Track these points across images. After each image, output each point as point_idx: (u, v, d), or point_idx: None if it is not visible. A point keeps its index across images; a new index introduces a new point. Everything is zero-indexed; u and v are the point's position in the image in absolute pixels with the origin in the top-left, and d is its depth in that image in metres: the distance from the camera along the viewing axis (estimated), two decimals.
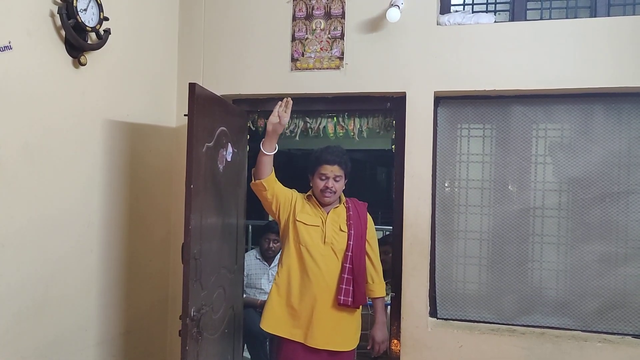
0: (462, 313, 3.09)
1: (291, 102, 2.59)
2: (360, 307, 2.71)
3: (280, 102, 2.58)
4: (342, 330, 2.62)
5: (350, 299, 2.56)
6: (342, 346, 2.62)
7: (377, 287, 2.74)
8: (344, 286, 2.56)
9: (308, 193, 2.75)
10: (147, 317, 3.14)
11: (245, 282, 3.93)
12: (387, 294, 3.05)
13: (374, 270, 2.74)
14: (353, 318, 2.67)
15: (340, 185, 2.66)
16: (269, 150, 2.55)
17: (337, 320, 2.60)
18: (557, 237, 2.99)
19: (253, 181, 2.62)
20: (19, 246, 2.19)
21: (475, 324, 3.04)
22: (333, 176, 2.62)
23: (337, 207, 2.71)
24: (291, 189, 2.77)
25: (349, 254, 2.60)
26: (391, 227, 3.18)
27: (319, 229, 2.62)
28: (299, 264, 2.61)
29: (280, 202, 2.66)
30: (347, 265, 2.59)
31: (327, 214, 2.68)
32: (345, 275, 2.57)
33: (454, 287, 3.12)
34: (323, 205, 2.69)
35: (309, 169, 2.72)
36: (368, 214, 2.78)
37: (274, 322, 2.61)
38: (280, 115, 2.54)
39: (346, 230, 2.64)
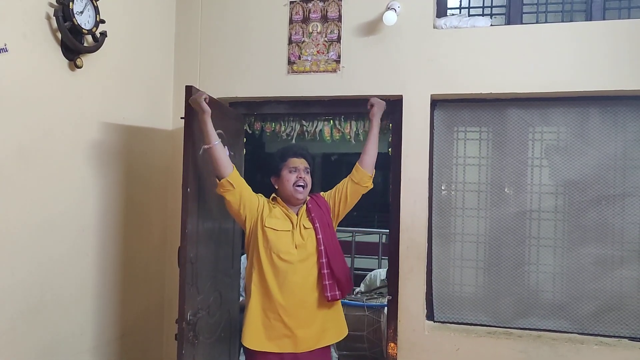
0: (459, 316, 3.09)
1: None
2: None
3: (200, 96, 2.37)
4: (332, 324, 2.53)
5: (337, 292, 2.44)
6: (336, 337, 2.54)
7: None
8: (327, 282, 2.43)
9: (272, 196, 2.58)
10: (143, 321, 3.13)
11: (241, 285, 3.92)
12: (384, 296, 3.04)
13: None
14: (336, 310, 2.56)
15: (309, 180, 2.52)
16: (214, 139, 2.37)
17: (326, 317, 2.49)
18: (553, 239, 3.00)
19: (217, 183, 2.41)
20: (13, 250, 2.18)
21: (472, 327, 3.04)
22: (303, 167, 2.50)
23: (301, 207, 2.55)
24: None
25: (321, 248, 2.44)
26: (388, 231, 3.17)
27: (289, 234, 2.45)
28: (273, 272, 2.42)
29: (246, 204, 2.45)
30: (323, 260, 2.44)
31: (298, 216, 2.51)
32: (325, 271, 2.43)
33: (451, 290, 3.12)
34: (293, 205, 2.52)
35: (272, 170, 2.56)
36: (324, 195, 2.63)
37: (257, 339, 2.42)
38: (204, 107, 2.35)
39: (310, 226, 2.47)
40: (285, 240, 2.43)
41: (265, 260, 2.43)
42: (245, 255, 4.21)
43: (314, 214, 2.51)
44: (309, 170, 2.55)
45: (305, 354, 2.44)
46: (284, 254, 2.41)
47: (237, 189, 2.41)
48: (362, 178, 2.54)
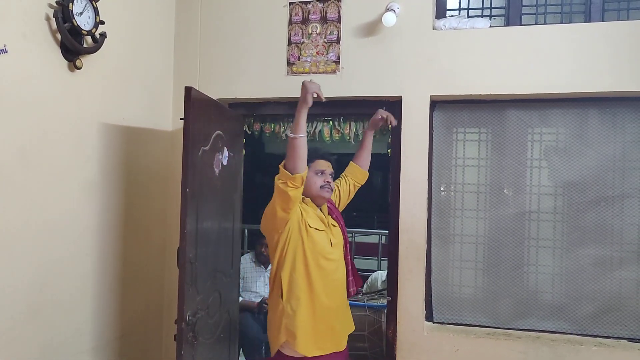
0: (458, 317, 3.09)
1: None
2: None
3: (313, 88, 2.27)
4: (349, 321, 2.59)
5: (355, 287, 2.57)
6: (352, 327, 2.59)
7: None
8: (351, 278, 2.56)
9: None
10: (142, 321, 3.13)
11: (241, 285, 3.93)
12: (385, 297, 3.04)
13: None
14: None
15: (334, 184, 2.57)
16: (303, 131, 2.26)
17: (347, 311, 2.58)
18: (552, 240, 3.00)
19: (286, 175, 2.23)
20: (13, 250, 2.18)
21: (471, 327, 3.04)
22: (329, 171, 2.51)
23: (323, 206, 2.57)
24: None
25: (347, 246, 2.57)
26: (387, 231, 3.18)
27: (325, 234, 2.43)
28: (320, 273, 2.36)
29: (296, 205, 2.34)
30: (349, 257, 2.57)
31: (326, 215, 2.53)
32: (349, 268, 2.56)
33: (450, 291, 3.12)
34: (318, 204, 2.51)
35: None
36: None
37: (311, 344, 2.34)
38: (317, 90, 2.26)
39: (337, 224, 2.54)
40: (326, 240, 2.43)
41: (312, 261, 2.36)
42: (244, 255, 4.27)
43: (335, 214, 2.59)
44: (333, 174, 2.56)
45: (343, 351, 2.50)
46: (328, 253, 2.40)
47: (302, 188, 2.30)
48: (363, 178, 2.78)
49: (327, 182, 2.47)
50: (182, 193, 2.52)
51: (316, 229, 2.39)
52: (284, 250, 2.36)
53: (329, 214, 2.56)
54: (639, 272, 2.88)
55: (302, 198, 2.45)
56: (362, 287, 2.63)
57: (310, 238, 2.36)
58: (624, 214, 2.90)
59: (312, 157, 2.46)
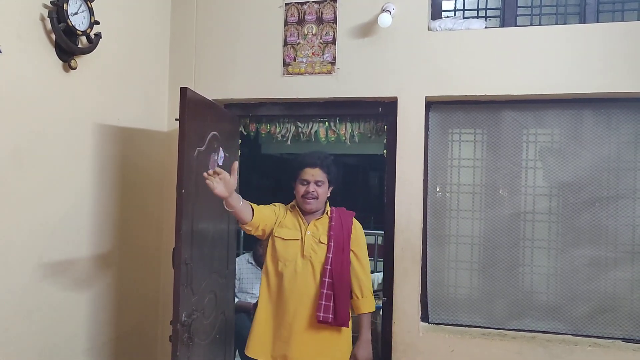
0: (454, 318, 3.10)
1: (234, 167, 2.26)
2: (350, 326, 2.52)
3: (210, 174, 2.16)
4: (325, 352, 2.44)
5: (330, 316, 2.37)
6: (323, 349, 2.44)
7: (364, 302, 2.52)
8: (323, 302, 2.37)
9: (292, 203, 2.64)
10: (137, 322, 3.12)
11: (237, 286, 3.92)
12: (381, 298, 3.05)
13: (361, 283, 2.52)
14: (340, 338, 2.47)
15: (322, 191, 2.51)
16: (231, 206, 2.28)
17: (319, 340, 2.42)
18: (547, 241, 3.01)
19: (241, 226, 2.44)
20: (7, 252, 2.17)
21: (467, 328, 3.04)
22: (314, 180, 2.48)
23: (319, 218, 2.55)
24: (274, 202, 2.65)
25: (328, 267, 2.41)
26: (382, 232, 3.18)
27: (297, 243, 2.47)
28: (277, 280, 2.47)
29: (267, 227, 2.49)
30: (327, 279, 2.40)
31: (308, 224, 2.52)
32: (325, 291, 2.39)
33: (446, 292, 3.13)
34: (305, 213, 2.54)
35: (291, 175, 2.58)
36: (357, 222, 2.63)
37: (255, 347, 2.47)
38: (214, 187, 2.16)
39: (326, 242, 2.47)
40: (293, 249, 2.45)
41: (272, 267, 2.47)
42: (241, 256, 4.28)
43: (333, 232, 2.50)
44: (321, 182, 2.51)
45: None
46: (289, 261, 2.44)
47: (259, 226, 2.44)
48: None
49: (307, 191, 2.48)
50: (178, 194, 2.52)
51: (282, 237, 2.48)
52: (264, 251, 2.57)
53: (327, 230, 2.50)
54: (634, 272, 2.89)
55: (292, 205, 2.62)
56: (343, 325, 2.43)
57: (272, 245, 2.48)
58: (619, 214, 2.91)
59: (300, 165, 2.51)
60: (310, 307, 2.42)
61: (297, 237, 2.48)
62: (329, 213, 2.59)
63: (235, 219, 2.43)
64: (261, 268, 4.18)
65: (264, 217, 2.47)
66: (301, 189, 2.51)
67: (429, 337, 2.98)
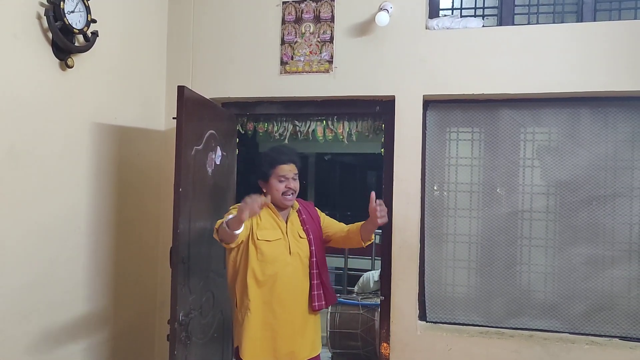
0: (451, 316, 3.10)
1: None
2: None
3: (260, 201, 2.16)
4: (316, 334, 2.58)
5: (323, 303, 2.52)
6: (316, 350, 2.56)
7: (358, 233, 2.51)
8: (316, 292, 2.49)
9: None
10: (135, 321, 3.12)
11: None
12: (379, 296, 3.04)
13: (344, 226, 2.60)
14: (317, 320, 2.60)
15: (297, 185, 2.51)
16: (238, 228, 2.24)
17: (311, 325, 2.54)
18: (545, 240, 3.02)
19: (217, 239, 2.35)
20: (3, 252, 2.16)
21: (465, 327, 3.05)
22: (292, 176, 2.47)
23: (290, 213, 2.53)
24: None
25: (314, 259, 2.49)
26: (380, 231, 3.18)
27: (281, 242, 2.44)
28: (269, 282, 2.41)
29: (243, 237, 2.38)
30: (315, 271, 2.50)
31: (286, 222, 2.50)
32: (315, 282, 2.50)
33: (443, 291, 3.13)
34: (280, 210, 2.50)
35: (259, 174, 2.49)
36: (317, 209, 2.66)
37: (254, 351, 2.42)
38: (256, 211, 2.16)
39: (305, 237, 2.50)
40: (280, 250, 2.44)
41: (260, 271, 2.41)
42: None
43: (308, 225, 2.54)
44: (297, 176, 2.52)
45: None
46: (279, 261, 2.42)
47: (242, 237, 2.35)
48: (357, 243, 2.54)
49: (289, 187, 2.46)
50: (175, 193, 2.51)
51: (266, 240, 2.42)
52: (237, 263, 2.44)
53: (301, 225, 2.52)
54: (631, 270, 2.90)
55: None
56: (334, 303, 2.50)
57: (258, 250, 2.40)
58: (616, 213, 2.92)
59: (274, 162, 2.46)
60: (304, 301, 2.49)
61: (280, 237, 2.45)
62: (295, 208, 2.57)
63: (224, 240, 2.32)
64: None
65: (245, 227, 2.36)
66: (280, 187, 2.45)
67: (427, 335, 2.98)
